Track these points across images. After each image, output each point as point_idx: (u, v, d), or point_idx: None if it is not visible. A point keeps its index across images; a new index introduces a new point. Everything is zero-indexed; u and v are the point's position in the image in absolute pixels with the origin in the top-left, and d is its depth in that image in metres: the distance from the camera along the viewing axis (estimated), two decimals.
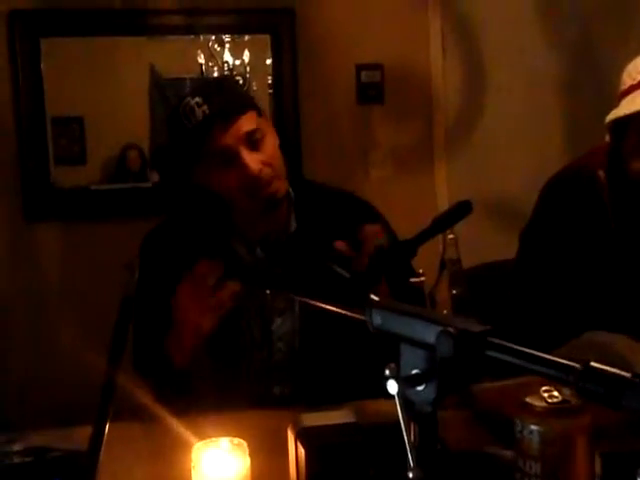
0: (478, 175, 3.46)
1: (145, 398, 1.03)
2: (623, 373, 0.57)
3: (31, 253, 3.10)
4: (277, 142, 1.57)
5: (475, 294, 1.78)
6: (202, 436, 1.08)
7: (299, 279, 1.52)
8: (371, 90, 3.38)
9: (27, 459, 1.25)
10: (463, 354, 0.64)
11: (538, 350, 1.71)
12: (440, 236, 1.47)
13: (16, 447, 1.29)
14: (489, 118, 3.48)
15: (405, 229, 1.52)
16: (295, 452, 0.99)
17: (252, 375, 1.58)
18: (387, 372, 0.67)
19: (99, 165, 3.30)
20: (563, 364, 0.61)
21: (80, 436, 1.01)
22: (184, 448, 1.08)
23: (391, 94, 3.39)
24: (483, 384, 1.48)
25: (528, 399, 0.92)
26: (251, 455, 1.06)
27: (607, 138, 1.61)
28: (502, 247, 1.88)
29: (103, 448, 0.91)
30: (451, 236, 1.46)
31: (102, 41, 3.19)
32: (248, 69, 3.38)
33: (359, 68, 3.35)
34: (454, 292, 1.50)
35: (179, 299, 1.41)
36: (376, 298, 1.40)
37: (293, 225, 1.60)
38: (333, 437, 0.96)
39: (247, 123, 1.50)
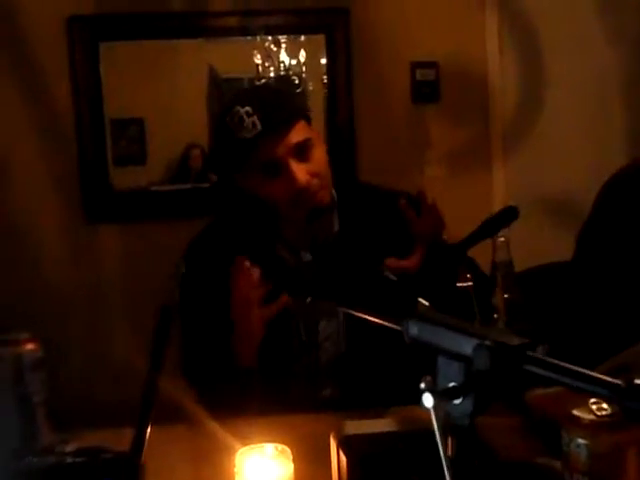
0: (537, 175, 3.38)
1: (188, 402, 1.03)
2: None
3: (92, 253, 3.16)
4: (325, 149, 1.56)
5: (529, 297, 1.75)
6: (246, 441, 1.07)
7: (346, 283, 1.52)
8: (426, 88, 3.34)
9: (79, 460, 1.27)
10: (500, 368, 0.62)
11: (594, 357, 1.66)
12: (490, 239, 1.45)
13: (69, 447, 1.31)
14: (548, 116, 3.40)
15: (460, 231, 1.50)
16: (337, 460, 0.98)
17: (301, 377, 1.57)
18: (422, 385, 0.65)
19: (159, 166, 3.34)
20: (605, 381, 0.58)
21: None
22: (228, 453, 1.08)
23: (446, 92, 3.34)
24: (536, 390, 1.44)
25: (576, 411, 0.89)
26: (295, 461, 1.05)
27: None
28: (563, 248, 1.84)
29: (145, 450, 0.92)
30: (502, 239, 1.44)
31: (160, 44, 3.23)
32: (304, 69, 3.38)
33: (414, 66, 3.31)
34: (506, 296, 1.47)
35: (232, 306, 1.42)
36: (425, 303, 1.40)
37: (336, 226, 1.59)
38: (375, 446, 0.94)
39: (297, 134, 1.49)
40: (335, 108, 3.32)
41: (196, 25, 3.22)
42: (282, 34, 3.32)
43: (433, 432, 0.69)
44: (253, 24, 3.25)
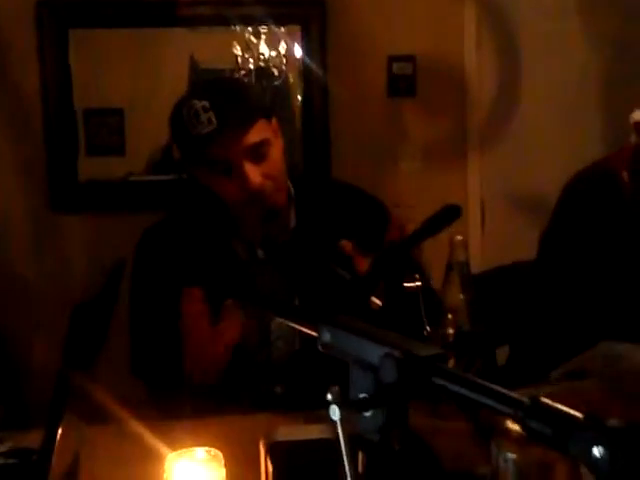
0: (512, 171, 3.35)
1: (107, 401, 0.99)
2: (574, 413, 0.50)
3: (56, 243, 3.10)
4: (282, 148, 1.51)
5: (486, 298, 1.71)
6: (177, 445, 1.03)
7: (299, 280, 1.49)
8: (402, 82, 3.30)
9: (10, 461, 1.23)
10: (407, 380, 0.58)
11: (555, 358, 1.63)
12: (448, 237, 1.41)
13: (2, 448, 1.27)
14: (524, 113, 3.37)
15: None
16: (265, 467, 0.94)
17: (253, 374, 1.54)
18: (329, 396, 0.61)
19: (140, 157, 3.28)
20: (510, 398, 0.54)
21: None
22: (157, 457, 1.04)
23: (423, 87, 3.30)
24: None
25: (509, 423, 0.85)
26: (227, 466, 1.01)
27: (633, 138, 1.52)
28: (534, 245, 1.81)
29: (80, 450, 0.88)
30: (459, 237, 1.40)
31: (137, 32, 3.17)
32: (284, 61, 3.34)
33: (391, 59, 3.27)
34: (461, 297, 1.43)
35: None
36: (378, 302, 1.36)
37: (292, 221, 1.56)
38: (303, 455, 0.90)
39: (253, 135, 1.43)
40: (310, 100, 3.27)
41: (171, 14, 3.15)
42: (259, 24, 3.27)
43: (373, 441, 0.66)
44: (231, 13, 3.19)
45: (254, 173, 1.43)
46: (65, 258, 3.06)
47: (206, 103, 1.41)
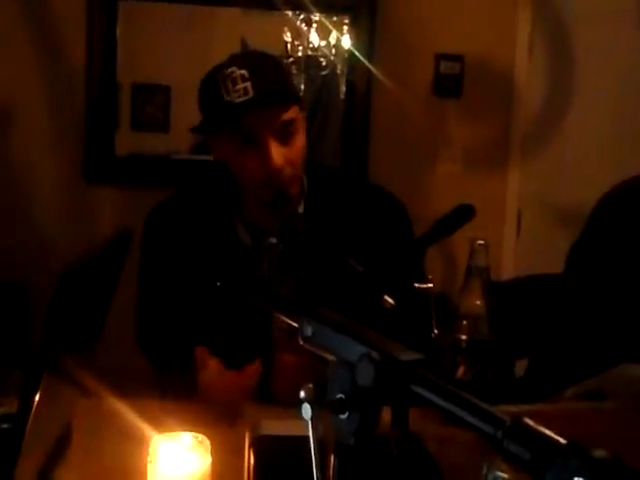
0: (552, 181, 3.27)
1: (87, 378, 0.96)
2: (557, 438, 0.46)
3: (88, 214, 3.11)
4: (305, 141, 1.47)
5: (511, 307, 1.66)
6: (162, 428, 1.01)
7: (312, 271, 1.45)
8: (449, 82, 3.23)
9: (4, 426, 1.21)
10: (384, 384, 0.54)
11: (574, 375, 1.57)
12: (469, 241, 1.36)
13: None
14: (572, 123, 3.28)
15: (469, 229, 1.42)
16: (248, 459, 0.90)
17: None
18: (302, 394, 0.57)
19: (183, 135, 3.27)
20: (491, 415, 0.49)
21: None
22: (142, 439, 1.01)
23: (470, 88, 3.24)
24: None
25: None
26: (213, 453, 0.98)
27: None
28: None
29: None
30: (480, 242, 1.35)
31: (189, 8, 3.16)
32: (334, 51, 3.30)
33: (438, 58, 3.21)
34: (479, 303, 1.38)
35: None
36: (390, 300, 1.31)
37: (300, 210, 1.51)
38: (286, 450, 0.87)
39: (287, 115, 1.40)
40: (354, 93, 3.23)
41: None
42: (310, 12, 3.23)
43: (357, 442, 0.62)
44: None
45: (278, 153, 1.39)
46: (96, 229, 3.06)
47: (245, 72, 1.37)
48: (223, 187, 1.50)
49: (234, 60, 1.43)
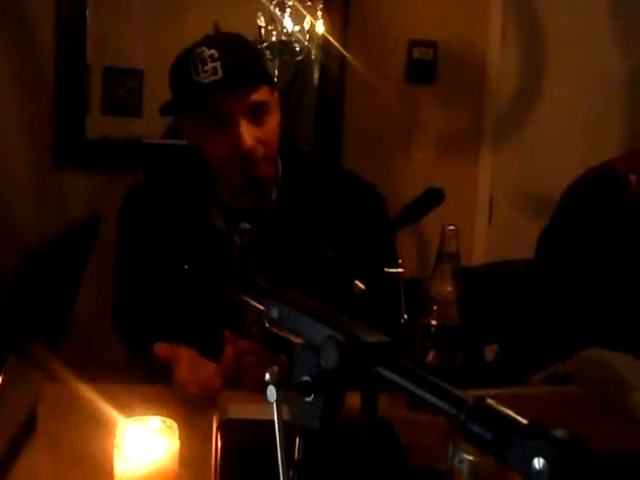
0: (525, 167, 3.29)
1: (52, 361, 0.95)
2: (519, 418, 0.46)
3: (58, 197, 3.07)
4: (279, 120, 1.45)
5: (481, 292, 1.67)
6: (129, 412, 1.00)
7: (284, 257, 1.44)
8: (422, 68, 3.23)
9: None
10: (348, 366, 0.54)
11: (542, 360, 1.59)
12: (440, 226, 1.36)
13: None
14: (544, 109, 3.30)
15: (441, 215, 1.42)
16: (215, 443, 0.90)
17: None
18: (267, 376, 0.57)
19: (156, 119, 3.24)
20: (454, 396, 0.49)
21: None
22: (108, 423, 1.01)
23: (443, 74, 3.24)
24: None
25: None
26: (180, 438, 0.98)
27: None
28: None
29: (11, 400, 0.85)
30: (451, 227, 1.35)
31: None
32: (308, 37, 3.28)
33: (411, 44, 3.20)
34: (449, 289, 1.39)
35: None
36: (361, 285, 1.31)
37: (274, 195, 1.50)
38: (254, 434, 0.86)
39: (257, 95, 1.39)
40: (328, 78, 3.22)
41: None
42: None
43: (328, 426, 0.62)
44: None
45: (249, 133, 1.38)
46: (66, 212, 3.02)
47: (215, 52, 1.36)
48: (197, 171, 1.48)
49: (205, 41, 1.42)
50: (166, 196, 1.49)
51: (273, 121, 1.43)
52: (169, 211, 1.47)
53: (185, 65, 1.38)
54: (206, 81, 1.35)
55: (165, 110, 1.48)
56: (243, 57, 1.40)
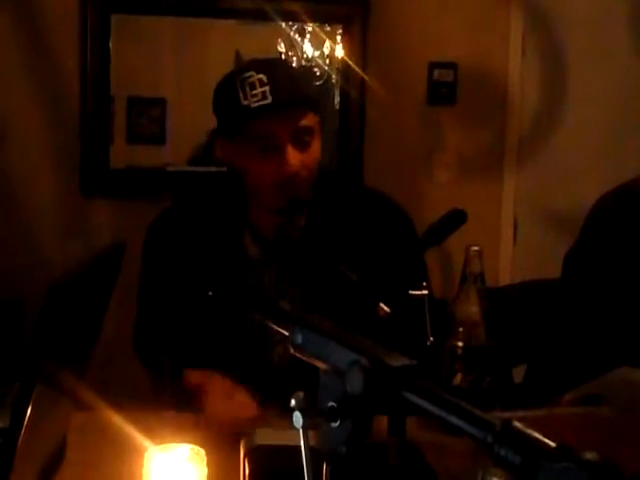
0: (548, 188, 3.27)
1: (89, 393, 0.96)
2: (547, 441, 0.45)
3: (85, 227, 3.11)
4: (320, 147, 1.46)
5: (508, 313, 1.65)
6: (157, 439, 1.00)
7: (307, 280, 1.44)
8: (443, 89, 3.24)
9: None
10: (374, 391, 0.53)
11: (572, 380, 1.56)
12: (464, 248, 1.36)
13: None
14: (567, 128, 3.28)
15: (465, 236, 1.42)
16: (243, 469, 0.90)
17: (252, 378, 1.49)
18: (293, 402, 0.57)
19: (180, 148, 3.28)
20: (481, 420, 0.49)
21: None
22: (136, 450, 1.01)
23: (464, 95, 3.24)
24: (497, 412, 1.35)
25: None
26: (209, 465, 0.98)
27: None
28: None
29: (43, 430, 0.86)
30: (475, 248, 1.34)
31: (180, 21, 3.17)
32: (327, 62, 3.30)
33: (432, 66, 3.21)
34: (474, 309, 1.38)
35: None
36: (386, 308, 1.31)
37: (302, 219, 1.51)
38: (282, 460, 0.86)
39: (304, 120, 1.40)
40: (348, 102, 3.23)
41: (217, 4, 3.15)
42: (302, 22, 3.24)
43: (352, 451, 0.61)
44: (274, 8, 3.17)
45: (294, 158, 1.39)
46: (92, 241, 3.05)
47: (263, 77, 1.37)
48: (229, 197, 1.49)
49: (252, 65, 1.43)
50: (194, 222, 1.50)
51: (317, 146, 1.44)
52: (197, 237, 1.48)
53: (232, 89, 1.39)
54: (255, 106, 1.36)
55: (214, 132, 1.50)
56: (291, 82, 1.41)
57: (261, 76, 1.37)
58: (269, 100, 1.36)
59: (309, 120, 1.41)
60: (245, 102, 1.37)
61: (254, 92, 1.37)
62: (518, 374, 1.81)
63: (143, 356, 1.53)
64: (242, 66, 1.44)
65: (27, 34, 3.03)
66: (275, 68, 1.43)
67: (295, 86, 1.42)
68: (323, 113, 1.53)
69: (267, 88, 1.36)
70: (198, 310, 1.42)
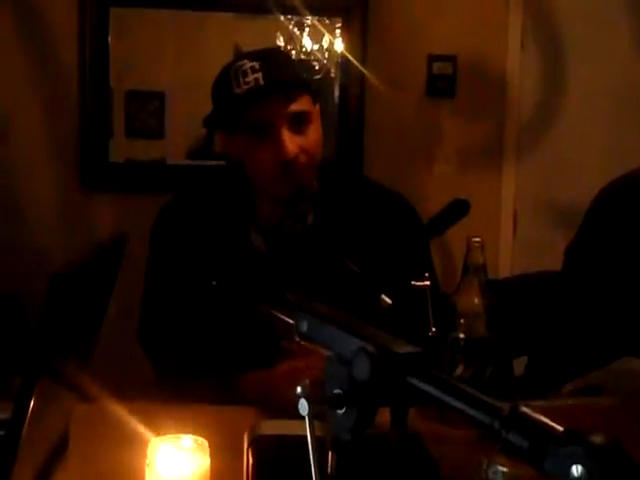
0: (548, 180, 3.27)
1: (93, 385, 0.96)
2: (554, 426, 0.45)
3: (85, 221, 3.10)
4: (321, 131, 1.45)
5: (509, 305, 1.65)
6: (161, 430, 1.00)
7: (309, 273, 1.44)
8: (442, 82, 3.24)
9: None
10: (380, 377, 0.53)
11: (573, 371, 1.57)
12: (465, 239, 1.36)
13: None
14: (565, 121, 3.28)
15: (465, 228, 1.42)
16: (247, 460, 0.90)
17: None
18: (298, 389, 0.57)
19: (179, 141, 3.27)
20: (488, 405, 0.49)
21: None
22: (139, 441, 1.01)
23: (463, 88, 3.24)
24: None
25: None
26: (212, 456, 0.98)
27: None
28: None
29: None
30: (476, 239, 1.34)
31: (178, 14, 3.16)
32: (326, 55, 3.30)
33: (431, 59, 3.21)
34: (476, 301, 1.38)
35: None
36: (388, 300, 1.31)
37: (310, 219, 1.49)
38: (286, 450, 0.86)
39: (298, 104, 1.39)
40: (347, 95, 3.23)
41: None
42: (301, 15, 3.23)
43: (357, 440, 0.61)
44: (273, 2, 3.16)
45: (291, 141, 1.37)
46: (92, 234, 3.05)
47: (256, 64, 1.36)
48: (235, 190, 1.48)
49: (246, 54, 1.43)
50: (200, 214, 1.49)
51: (315, 131, 1.43)
52: (203, 229, 1.47)
53: (226, 79, 1.39)
54: (247, 91, 1.36)
55: (208, 123, 1.48)
56: (283, 67, 1.41)
57: (254, 63, 1.37)
58: (261, 86, 1.35)
59: (304, 104, 1.40)
60: (238, 90, 1.37)
61: (247, 79, 1.36)
62: (519, 366, 1.82)
63: (147, 346, 1.52)
64: (237, 56, 1.44)
65: (26, 28, 3.02)
66: (269, 55, 1.43)
67: (288, 69, 1.41)
68: (323, 104, 1.52)
69: (260, 74, 1.36)
70: (204, 301, 1.42)
